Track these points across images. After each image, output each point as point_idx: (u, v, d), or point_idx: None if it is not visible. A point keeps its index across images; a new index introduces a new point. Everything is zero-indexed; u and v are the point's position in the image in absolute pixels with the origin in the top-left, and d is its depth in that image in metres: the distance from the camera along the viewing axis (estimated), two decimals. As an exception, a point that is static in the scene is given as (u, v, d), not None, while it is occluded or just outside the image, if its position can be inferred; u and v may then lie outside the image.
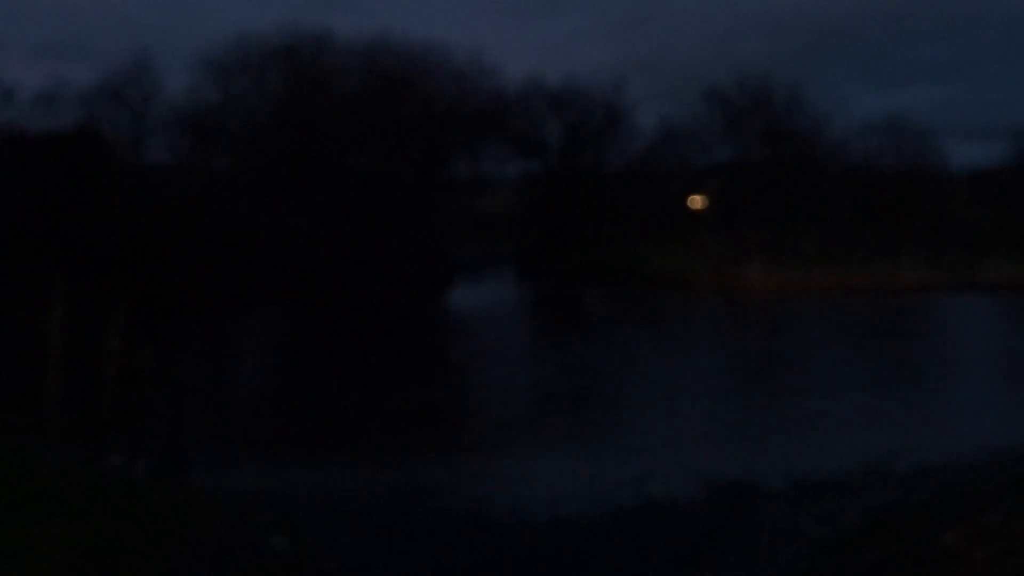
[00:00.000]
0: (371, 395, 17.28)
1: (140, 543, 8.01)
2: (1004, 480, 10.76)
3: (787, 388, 18.18)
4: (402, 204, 35.84)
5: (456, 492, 11.57)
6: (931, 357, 22.16)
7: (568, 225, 40.64)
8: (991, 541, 8.06)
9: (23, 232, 26.49)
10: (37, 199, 28.55)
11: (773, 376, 19.64)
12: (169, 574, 7.65)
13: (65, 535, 7.59)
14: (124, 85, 34.00)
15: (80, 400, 13.58)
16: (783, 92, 45.42)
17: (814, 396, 17.16)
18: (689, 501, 11.27)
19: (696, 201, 43.56)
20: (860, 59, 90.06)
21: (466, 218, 40.01)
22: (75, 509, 8.34)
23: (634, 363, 20.91)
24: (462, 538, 10.08)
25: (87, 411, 13.53)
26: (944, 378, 19.40)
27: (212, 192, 32.90)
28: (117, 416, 13.95)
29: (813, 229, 36.62)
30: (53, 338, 12.43)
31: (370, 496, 11.34)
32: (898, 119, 43.91)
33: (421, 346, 24.40)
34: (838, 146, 45.31)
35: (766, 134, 44.98)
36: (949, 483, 11.50)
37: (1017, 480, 10.55)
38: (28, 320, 16.02)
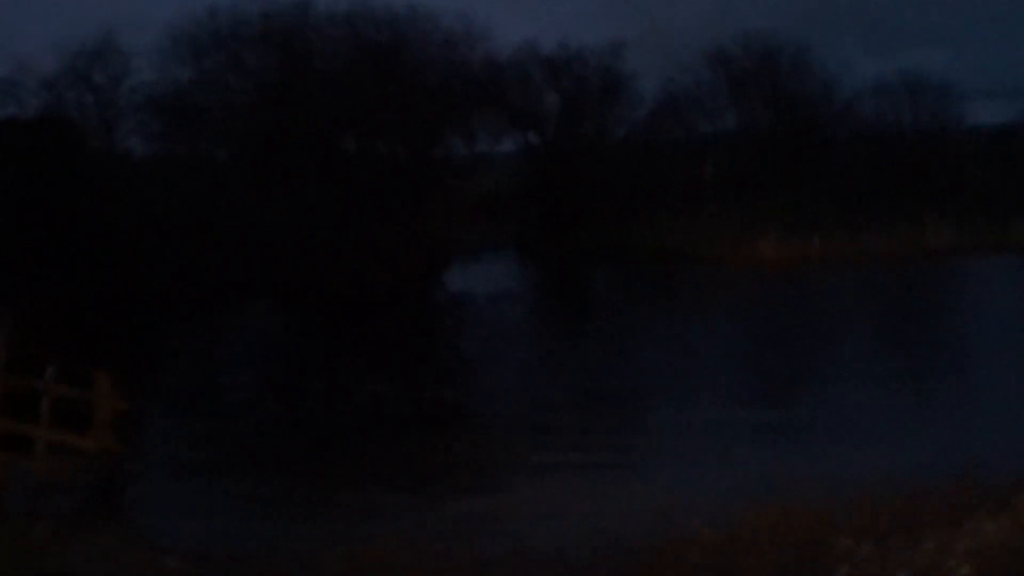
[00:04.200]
0: (367, 400, 15.33)
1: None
2: None
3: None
4: (395, 185, 33.86)
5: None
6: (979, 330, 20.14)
7: (569, 202, 38.47)
8: None
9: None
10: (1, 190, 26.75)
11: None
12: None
13: None
14: (90, 68, 31.80)
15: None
16: (789, 52, 43.05)
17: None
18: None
19: (703, 171, 41.44)
20: (863, 23, 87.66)
21: (463, 199, 37.91)
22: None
23: (658, 355, 18.87)
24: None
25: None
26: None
27: (191, 179, 31.13)
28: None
29: (829, 196, 34.48)
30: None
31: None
32: (913, 77, 41.46)
33: (420, 338, 22.41)
34: (849, 108, 42.96)
35: (772, 97, 42.69)
36: None
37: None
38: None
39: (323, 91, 33.59)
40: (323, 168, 32.09)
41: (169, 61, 33.14)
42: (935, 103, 40.95)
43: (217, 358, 20.66)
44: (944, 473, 10.51)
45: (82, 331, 16.75)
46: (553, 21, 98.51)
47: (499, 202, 41.53)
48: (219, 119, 34.19)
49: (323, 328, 23.42)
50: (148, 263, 27.60)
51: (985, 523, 8.39)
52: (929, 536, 8.22)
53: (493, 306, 25.88)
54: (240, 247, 28.63)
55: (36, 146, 28.47)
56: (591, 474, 11.01)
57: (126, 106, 33.00)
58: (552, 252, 36.31)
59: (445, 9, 36.55)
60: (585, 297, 29.56)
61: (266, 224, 30.26)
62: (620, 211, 36.57)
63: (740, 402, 14.87)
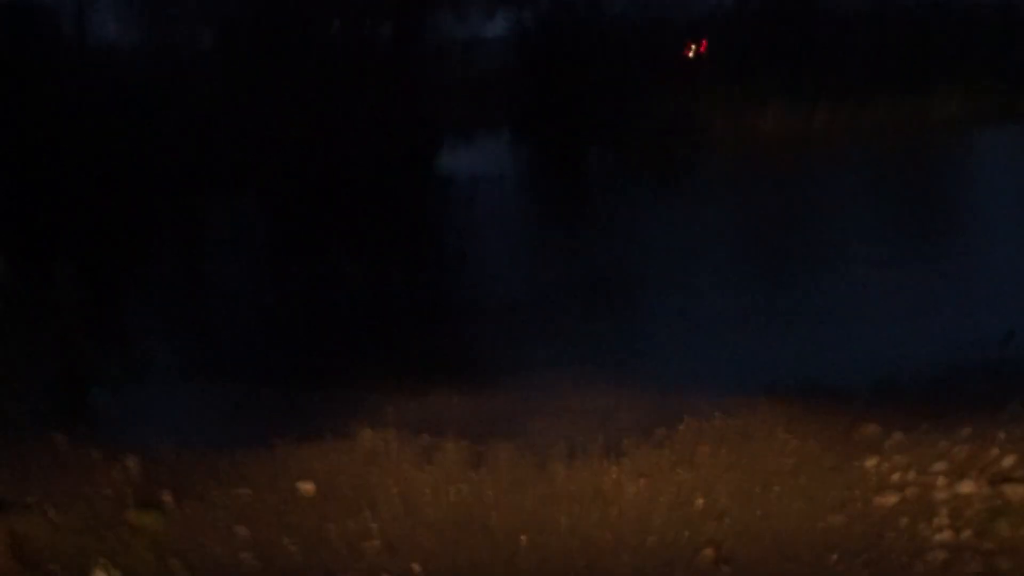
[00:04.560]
0: (351, 291, 14.64)
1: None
2: None
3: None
4: (382, 68, 32.56)
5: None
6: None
7: (563, 81, 37.14)
8: None
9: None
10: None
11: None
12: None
13: None
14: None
15: None
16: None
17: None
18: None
19: (695, 48, 39.94)
20: None
21: (454, 81, 36.57)
22: None
23: (658, 238, 18.10)
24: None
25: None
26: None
27: (167, 67, 29.80)
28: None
29: (831, 69, 33.22)
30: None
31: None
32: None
33: (409, 223, 21.58)
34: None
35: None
36: None
37: None
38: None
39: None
40: (307, 52, 30.77)
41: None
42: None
43: (197, 248, 19.92)
44: (971, 356, 9.91)
45: (54, 223, 15.92)
46: None
47: (492, 83, 40.18)
48: (200, 4, 32.69)
49: (307, 215, 22.58)
50: (126, 154, 26.72)
51: (1025, 408, 7.80)
52: (964, 424, 7.60)
53: (485, 188, 24.93)
54: (222, 135, 27.58)
55: (5, 35, 27.18)
56: (592, 365, 10.39)
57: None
58: (546, 133, 35.22)
59: None
60: (580, 178, 28.67)
61: (249, 111, 29.25)
62: (615, 90, 35.31)
63: (745, 286, 14.21)
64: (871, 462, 7.25)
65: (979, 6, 40.30)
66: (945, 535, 5.80)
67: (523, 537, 6.52)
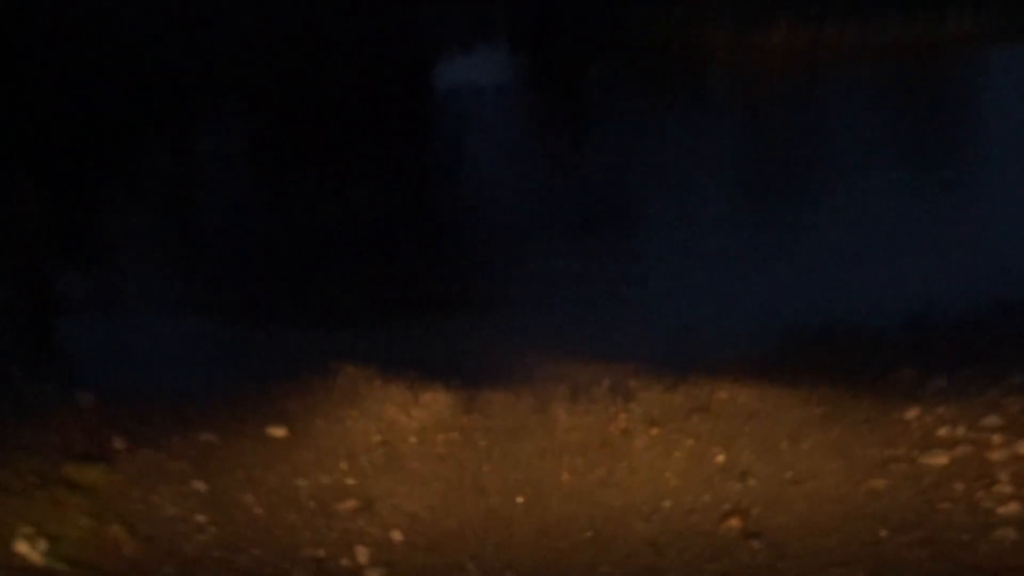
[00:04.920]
0: (339, 212, 13.67)
1: None
2: None
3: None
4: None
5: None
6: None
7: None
8: None
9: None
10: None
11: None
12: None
13: None
14: None
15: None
16: None
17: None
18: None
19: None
20: None
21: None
22: None
23: (660, 157, 17.07)
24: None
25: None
26: None
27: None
28: None
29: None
30: None
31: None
32: None
33: (403, 136, 20.55)
34: None
35: None
36: None
37: None
38: None
39: None
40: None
41: None
42: None
43: (179, 166, 18.88)
44: (1009, 292, 9.05)
45: (22, 136, 14.91)
46: None
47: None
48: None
49: (297, 129, 21.51)
50: (107, 62, 25.57)
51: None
52: (1013, 370, 6.78)
53: (482, 102, 23.84)
54: (211, 46, 26.41)
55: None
56: (595, 300, 9.52)
57: None
58: (546, 45, 33.91)
59: None
60: (580, 92, 27.48)
61: (240, 19, 28.01)
62: (616, 1, 33.92)
63: (755, 215, 13.22)
64: (912, 413, 6.44)
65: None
66: (1011, 508, 5.00)
67: (519, 499, 5.73)
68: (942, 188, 13.88)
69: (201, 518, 5.46)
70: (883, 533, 5.01)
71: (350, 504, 5.66)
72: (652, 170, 15.47)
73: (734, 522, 5.24)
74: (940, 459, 5.76)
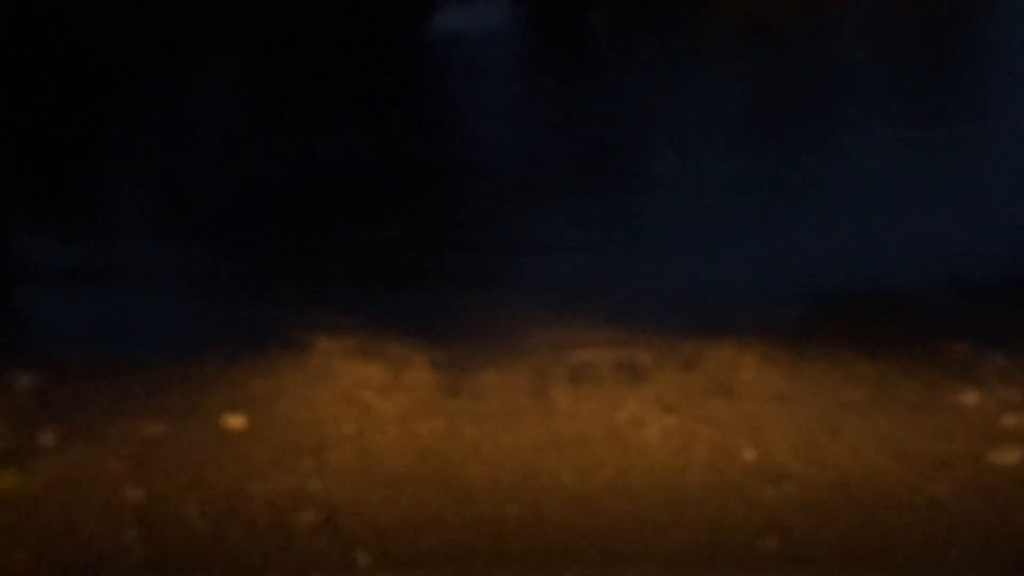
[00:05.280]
0: (332, 157, 12.76)
1: None
2: None
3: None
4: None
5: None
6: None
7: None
8: None
9: None
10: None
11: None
12: None
13: None
14: None
15: None
16: None
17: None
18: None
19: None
20: None
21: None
22: None
23: (665, 103, 16.04)
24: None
25: None
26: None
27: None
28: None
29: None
30: None
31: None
32: None
33: (400, 83, 19.50)
34: None
35: None
36: None
37: None
38: None
39: None
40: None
41: None
42: None
43: (169, 115, 17.88)
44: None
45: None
46: None
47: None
48: None
49: (294, 76, 20.51)
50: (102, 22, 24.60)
51: None
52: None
53: (483, 48, 22.78)
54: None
55: None
56: (598, 263, 8.59)
57: None
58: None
59: None
60: (582, 38, 26.35)
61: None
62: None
63: (771, 166, 12.20)
64: (970, 398, 5.54)
65: None
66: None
67: (511, 507, 4.83)
68: (973, 135, 12.91)
69: (130, 535, 4.56)
70: (953, 555, 4.11)
71: (309, 516, 4.76)
72: (659, 122, 14.48)
73: (770, 541, 4.34)
74: (1010, 456, 4.87)
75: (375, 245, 9.30)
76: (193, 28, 24.94)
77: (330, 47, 23.63)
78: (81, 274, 9.54)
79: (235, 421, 5.88)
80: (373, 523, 4.72)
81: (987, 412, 5.36)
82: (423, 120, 15.72)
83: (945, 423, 5.30)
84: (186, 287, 8.87)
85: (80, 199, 11.91)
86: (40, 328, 8.24)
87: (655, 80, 17.71)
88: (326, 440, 5.66)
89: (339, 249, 9.34)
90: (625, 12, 29.08)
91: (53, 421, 5.79)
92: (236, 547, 4.52)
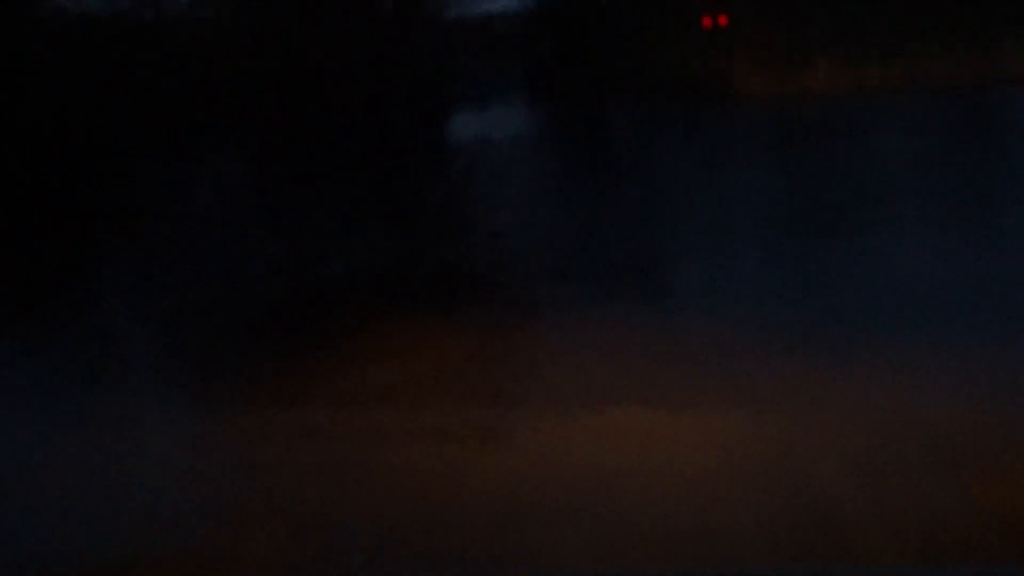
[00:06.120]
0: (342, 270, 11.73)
1: None
2: None
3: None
4: (385, 29, 29.65)
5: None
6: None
7: (585, 33, 33.96)
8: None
9: None
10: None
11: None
12: None
13: None
14: None
15: None
16: None
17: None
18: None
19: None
20: None
21: (465, 34, 33.63)
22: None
23: (699, 207, 14.96)
24: None
25: None
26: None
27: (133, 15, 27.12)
28: None
29: (888, 13, 29.80)
30: None
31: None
32: None
33: (410, 187, 18.66)
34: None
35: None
36: None
37: None
38: None
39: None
40: (310, 14, 28.03)
41: None
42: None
43: (170, 213, 17.07)
44: None
45: None
46: None
47: (507, 37, 37.15)
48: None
49: (299, 177, 19.83)
50: (110, 121, 24.20)
51: None
52: None
53: (499, 151, 22.00)
54: (198, 86, 25.05)
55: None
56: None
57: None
58: (566, 89, 32.07)
59: None
60: (604, 137, 25.56)
61: (243, 73, 26.57)
62: (643, 42, 32.09)
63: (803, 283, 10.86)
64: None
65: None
66: None
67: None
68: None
69: None
70: None
71: None
72: (686, 229, 13.28)
73: None
74: None
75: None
76: (199, 118, 24.55)
77: (343, 149, 22.96)
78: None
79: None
80: None
81: None
82: (436, 228, 14.64)
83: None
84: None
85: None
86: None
87: (680, 184, 16.71)
88: None
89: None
90: (645, 110, 28.35)
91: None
92: None
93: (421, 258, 11.96)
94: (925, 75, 27.42)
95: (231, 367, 8.22)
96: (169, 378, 8.35)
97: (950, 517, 4.31)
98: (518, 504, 4.89)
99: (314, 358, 8.12)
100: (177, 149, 24.02)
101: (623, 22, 32.27)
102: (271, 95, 26.24)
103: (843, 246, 11.05)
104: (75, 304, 10.86)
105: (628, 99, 29.13)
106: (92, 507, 5.46)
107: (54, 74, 23.79)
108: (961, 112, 23.80)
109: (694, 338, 7.82)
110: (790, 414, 5.79)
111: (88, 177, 20.53)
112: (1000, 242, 10.92)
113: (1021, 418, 5.55)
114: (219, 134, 25.02)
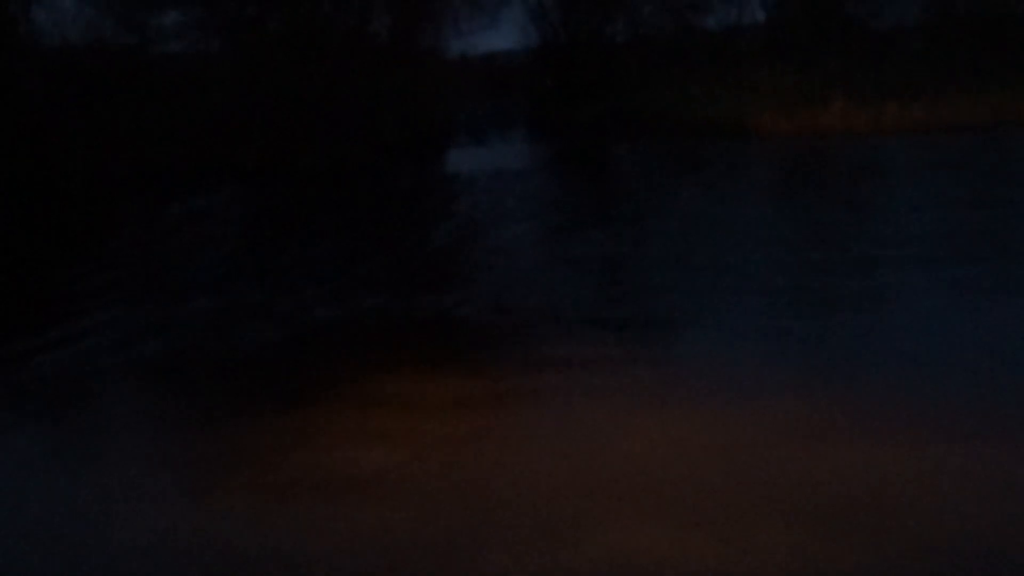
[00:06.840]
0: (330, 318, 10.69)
1: None
2: None
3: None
4: (386, 62, 28.94)
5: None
6: None
7: (588, 68, 33.20)
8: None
9: None
10: None
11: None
12: None
13: None
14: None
15: None
16: None
17: None
18: None
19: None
20: None
21: (466, 68, 32.94)
22: None
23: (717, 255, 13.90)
24: None
25: None
26: None
27: (131, 50, 26.39)
28: None
29: (905, 54, 28.97)
30: None
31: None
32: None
33: (408, 226, 17.64)
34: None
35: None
36: None
37: None
38: None
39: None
40: (290, 36, 27.39)
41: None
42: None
43: (162, 252, 16.06)
44: None
45: None
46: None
47: (508, 72, 36.49)
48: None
49: (295, 219, 18.95)
50: (97, 156, 23.57)
51: None
52: None
53: (499, 187, 20.94)
54: (196, 123, 24.43)
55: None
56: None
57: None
58: (568, 125, 31.18)
59: None
60: (607, 177, 24.54)
61: (238, 106, 25.90)
62: (648, 79, 31.32)
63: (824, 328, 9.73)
64: None
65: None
66: None
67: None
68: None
69: None
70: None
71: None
72: (695, 281, 12.08)
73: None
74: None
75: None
76: (184, 168, 23.94)
77: (338, 190, 22.14)
78: None
79: None
80: None
81: None
82: (433, 274, 13.50)
83: None
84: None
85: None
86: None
87: (686, 226, 15.59)
88: None
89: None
90: (648, 146, 27.38)
91: None
92: None
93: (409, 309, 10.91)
94: (943, 115, 26.57)
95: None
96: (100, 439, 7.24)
97: None
98: None
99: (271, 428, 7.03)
100: (160, 188, 23.25)
101: (630, 60, 31.51)
102: (262, 132, 25.53)
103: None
104: (38, 348, 9.89)
105: (633, 138, 28.21)
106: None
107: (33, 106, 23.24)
108: (982, 151, 22.83)
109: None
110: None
111: (65, 218, 19.80)
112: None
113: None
114: (206, 171, 24.32)
